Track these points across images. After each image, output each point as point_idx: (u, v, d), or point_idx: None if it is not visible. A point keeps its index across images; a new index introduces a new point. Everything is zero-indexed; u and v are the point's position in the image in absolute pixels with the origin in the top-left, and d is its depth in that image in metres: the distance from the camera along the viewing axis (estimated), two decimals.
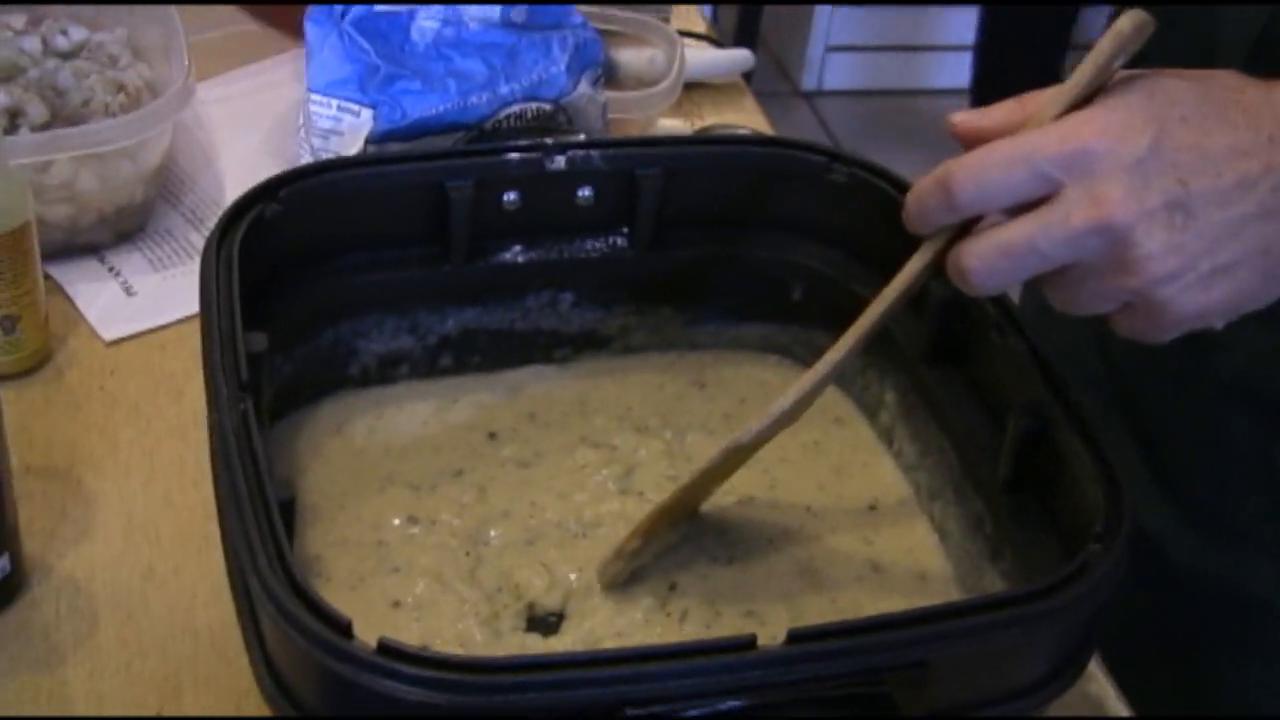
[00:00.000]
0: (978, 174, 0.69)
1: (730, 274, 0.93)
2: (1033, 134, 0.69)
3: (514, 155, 0.86)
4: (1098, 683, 0.89)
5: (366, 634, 0.61)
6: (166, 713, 0.82)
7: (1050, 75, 2.88)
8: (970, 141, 0.72)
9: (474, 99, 0.95)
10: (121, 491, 0.94)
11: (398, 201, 0.85)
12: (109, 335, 1.04)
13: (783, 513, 0.86)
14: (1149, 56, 0.72)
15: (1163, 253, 0.67)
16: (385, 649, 0.60)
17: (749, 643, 0.62)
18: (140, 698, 0.82)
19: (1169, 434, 0.98)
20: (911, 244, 0.85)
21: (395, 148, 0.94)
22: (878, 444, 0.91)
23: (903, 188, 0.87)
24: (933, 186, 0.71)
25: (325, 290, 0.86)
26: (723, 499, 0.86)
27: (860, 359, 0.91)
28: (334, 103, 0.95)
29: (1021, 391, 0.76)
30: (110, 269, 1.10)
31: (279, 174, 0.83)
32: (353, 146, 0.94)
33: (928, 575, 0.82)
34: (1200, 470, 0.96)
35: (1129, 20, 0.69)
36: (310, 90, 0.95)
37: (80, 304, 1.07)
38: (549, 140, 0.87)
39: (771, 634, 0.63)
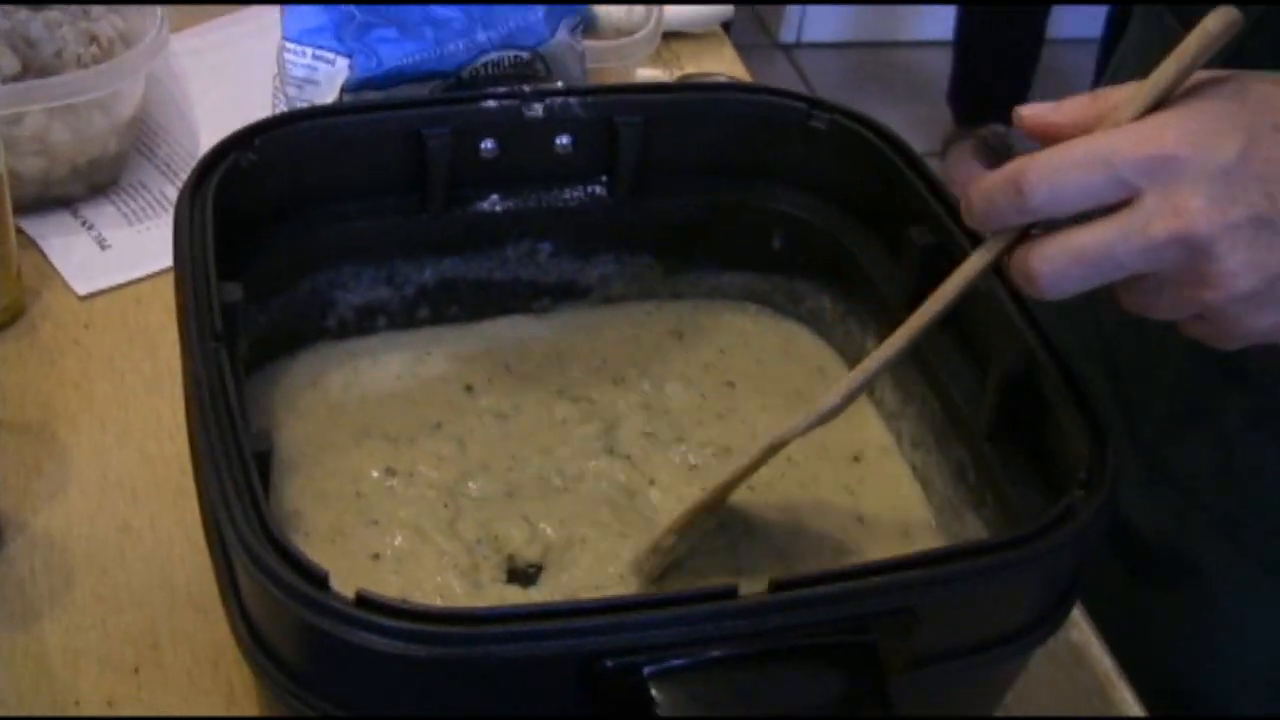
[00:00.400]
0: (1053, 175, 0.65)
1: (711, 223, 0.92)
2: (1112, 135, 0.65)
3: (492, 103, 0.85)
4: (1080, 630, 0.89)
5: (346, 587, 0.61)
6: (144, 668, 0.81)
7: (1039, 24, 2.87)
8: (1039, 136, 0.68)
9: (451, 47, 0.93)
10: (97, 446, 0.93)
11: (374, 150, 0.84)
12: (83, 289, 1.03)
13: (765, 464, 0.85)
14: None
15: (1243, 269, 0.64)
16: (363, 601, 0.59)
17: (730, 592, 0.61)
18: (117, 653, 0.82)
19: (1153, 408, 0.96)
20: (893, 193, 0.84)
21: (371, 96, 0.92)
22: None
23: (883, 134, 0.86)
24: (1003, 184, 0.66)
25: (301, 240, 0.85)
26: (701, 451, 0.85)
27: (842, 306, 0.91)
28: (309, 51, 0.93)
29: (1005, 337, 0.75)
30: (84, 222, 1.09)
31: (254, 123, 0.82)
32: (328, 95, 0.93)
33: (910, 524, 0.82)
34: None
35: (1219, 19, 0.65)
36: (285, 39, 0.94)
37: (54, 258, 1.06)
38: (527, 88, 0.86)
39: (754, 585, 0.62)
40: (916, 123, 3.00)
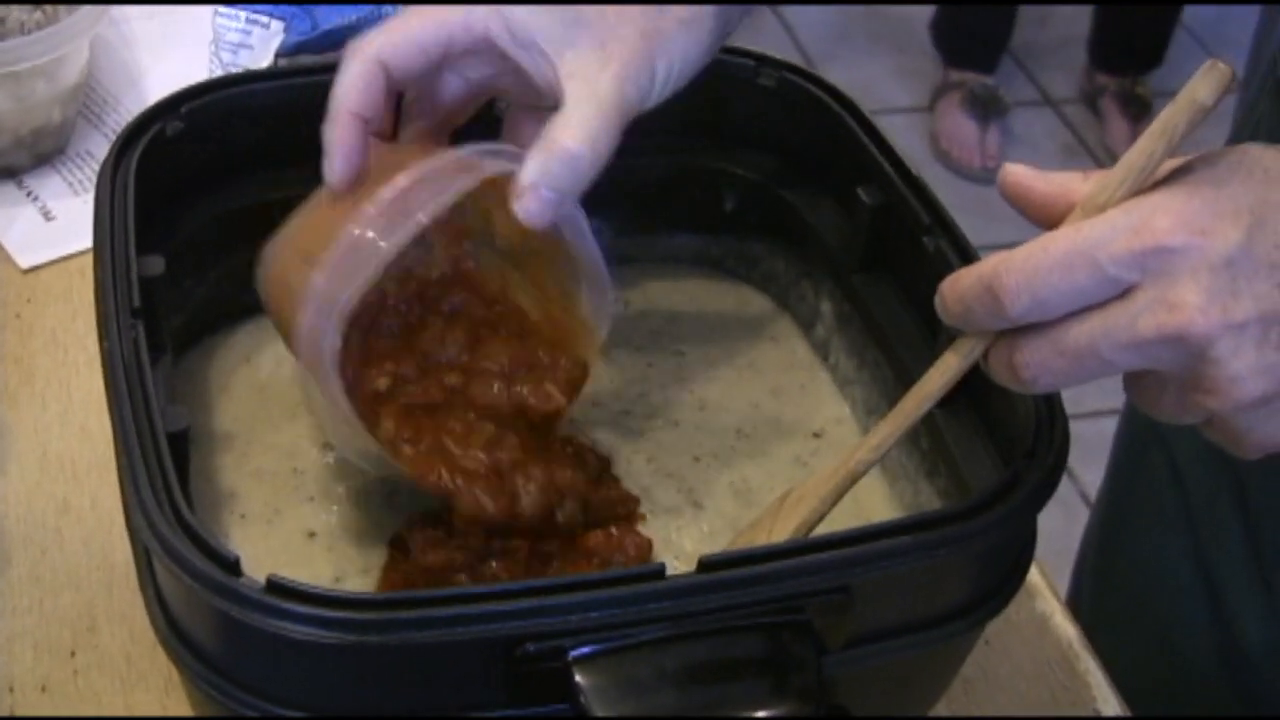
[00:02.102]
0: (1032, 281, 0.57)
1: (661, 184, 0.89)
2: (1095, 225, 0.57)
3: None
4: (1044, 599, 0.87)
5: (280, 568, 0.59)
6: (80, 651, 0.79)
7: None
8: (1018, 204, 0.62)
9: (388, 8, 0.91)
10: (37, 423, 0.91)
11: (306, 117, 0.80)
12: (26, 262, 1.01)
13: (714, 436, 0.83)
14: None
15: (1250, 374, 0.56)
16: (273, 586, 0.57)
17: (657, 572, 0.59)
18: (54, 635, 0.80)
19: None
20: (843, 151, 0.82)
21: (306, 60, 0.90)
22: (815, 361, 0.88)
23: (832, 91, 0.84)
24: (978, 290, 0.59)
25: (235, 209, 0.83)
26: (651, 423, 0.83)
27: (795, 269, 0.89)
28: (242, 14, 0.91)
29: None
30: (28, 193, 1.07)
31: (180, 90, 0.80)
32: (263, 60, 0.90)
33: (862, 493, 0.80)
34: None
35: (1208, 84, 0.57)
36: (219, 1, 0.92)
37: None
38: None
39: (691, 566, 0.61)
40: (905, 75, 2.97)
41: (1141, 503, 1.01)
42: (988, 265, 0.59)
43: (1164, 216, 0.56)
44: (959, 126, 2.81)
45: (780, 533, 0.68)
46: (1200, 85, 0.57)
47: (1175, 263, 0.56)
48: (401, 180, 0.68)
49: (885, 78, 2.95)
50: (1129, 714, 0.82)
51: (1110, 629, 0.96)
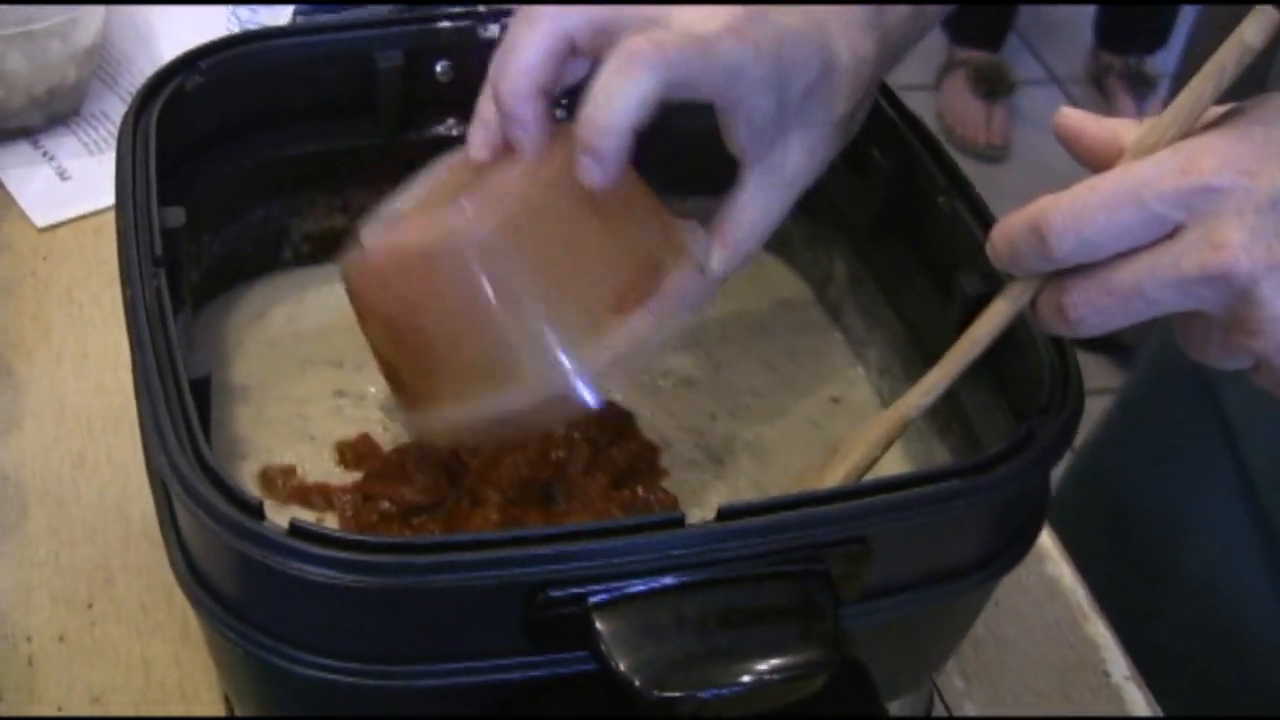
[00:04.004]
0: (1078, 220, 0.58)
1: (672, 146, 0.89)
2: (1142, 166, 0.58)
3: (445, 23, 0.82)
4: (1054, 562, 0.88)
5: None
6: (97, 602, 0.80)
7: None
8: (1071, 146, 0.62)
9: None
10: (53, 379, 0.91)
11: (324, 73, 0.82)
12: (41, 220, 1.01)
13: (730, 396, 0.83)
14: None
15: None
16: (296, 530, 0.57)
17: (677, 520, 0.59)
18: (70, 587, 0.80)
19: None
20: None
21: (324, 18, 0.90)
22: (828, 323, 0.88)
23: None
24: (1026, 231, 0.59)
25: (252, 165, 0.83)
26: (665, 380, 0.83)
27: (807, 232, 0.89)
28: None
29: (968, 258, 0.73)
30: (44, 153, 1.07)
31: (200, 45, 0.80)
32: (280, 17, 0.91)
33: None
34: None
35: (1258, 27, 0.58)
36: None
37: (11, 189, 1.04)
38: (482, 8, 0.83)
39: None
40: (912, 54, 2.97)
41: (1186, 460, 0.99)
42: (1035, 207, 0.59)
43: (1211, 156, 0.57)
44: (965, 104, 2.81)
45: (831, 478, 0.69)
46: (1249, 27, 0.58)
47: (1221, 202, 0.56)
48: None
49: (906, 62, 2.94)
50: (1137, 675, 0.83)
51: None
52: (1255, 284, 0.56)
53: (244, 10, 0.90)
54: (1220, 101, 0.60)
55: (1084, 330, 0.61)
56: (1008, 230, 0.61)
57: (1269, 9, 0.58)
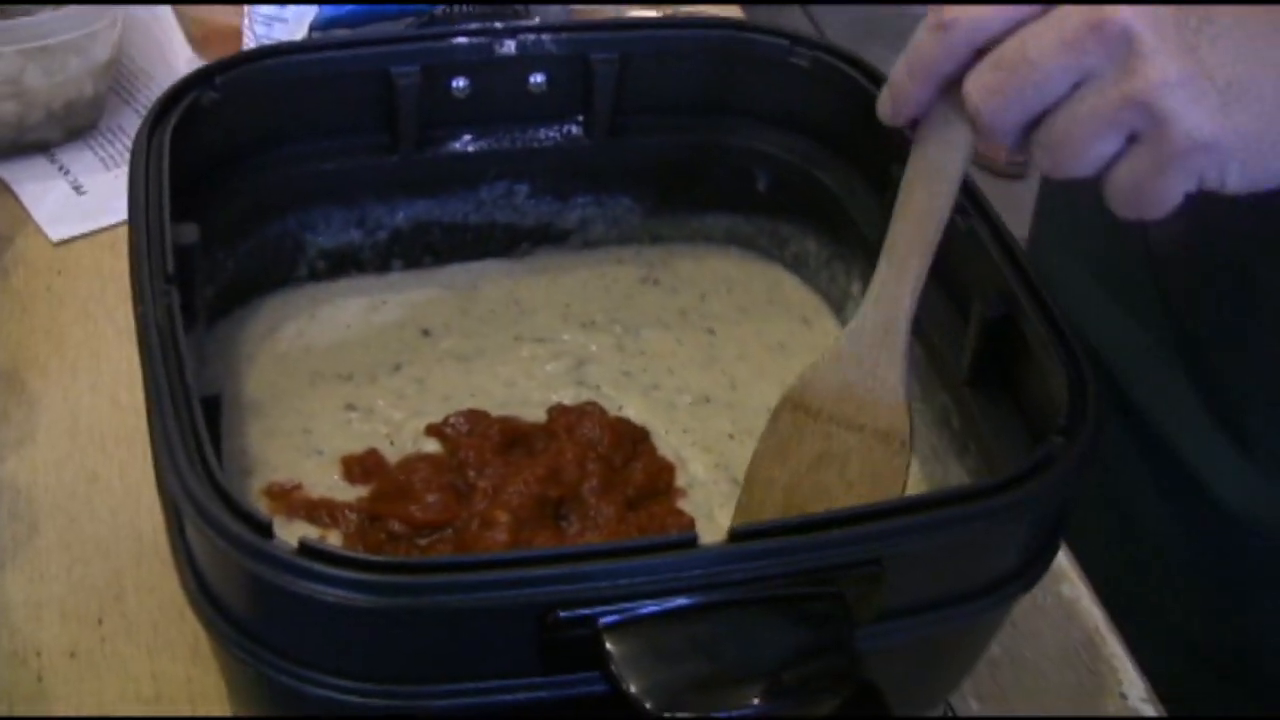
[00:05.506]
0: (967, 6, 0.62)
1: (692, 163, 0.89)
2: None
3: (462, 40, 0.82)
4: (1071, 583, 0.87)
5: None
6: (108, 618, 0.79)
7: None
8: (901, 106, 0.68)
9: None
10: (67, 394, 0.91)
11: (341, 89, 0.82)
12: (57, 235, 1.01)
13: (747, 414, 0.83)
14: None
15: (1172, 51, 0.59)
16: (306, 549, 0.57)
17: (689, 541, 0.59)
18: (81, 603, 0.80)
19: (1228, 369, 0.91)
20: (876, 130, 0.81)
21: (340, 33, 0.90)
22: None
23: (867, 71, 0.83)
24: (925, 35, 0.64)
25: (268, 181, 0.83)
26: (681, 398, 0.83)
27: (827, 250, 0.88)
28: None
29: (987, 278, 0.73)
30: (60, 167, 1.07)
31: (216, 61, 0.80)
32: (297, 33, 0.90)
33: None
34: (1260, 402, 0.89)
35: None
36: None
37: (28, 203, 1.04)
38: (498, 24, 0.83)
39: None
40: None
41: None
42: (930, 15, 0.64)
43: None
44: None
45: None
46: None
47: None
48: None
49: None
50: (1154, 698, 0.82)
51: None
52: (1132, 25, 0.59)
53: (259, 26, 0.90)
54: None
55: (996, 122, 0.62)
56: (911, 55, 0.65)
57: None
